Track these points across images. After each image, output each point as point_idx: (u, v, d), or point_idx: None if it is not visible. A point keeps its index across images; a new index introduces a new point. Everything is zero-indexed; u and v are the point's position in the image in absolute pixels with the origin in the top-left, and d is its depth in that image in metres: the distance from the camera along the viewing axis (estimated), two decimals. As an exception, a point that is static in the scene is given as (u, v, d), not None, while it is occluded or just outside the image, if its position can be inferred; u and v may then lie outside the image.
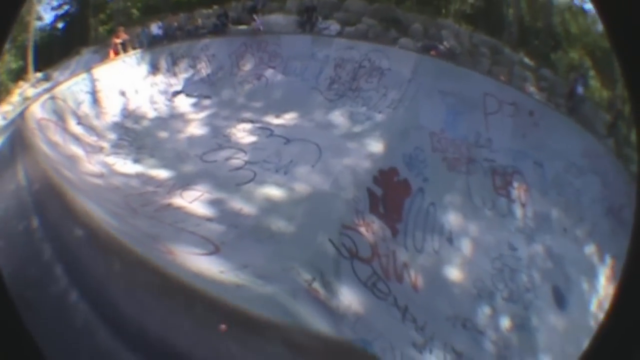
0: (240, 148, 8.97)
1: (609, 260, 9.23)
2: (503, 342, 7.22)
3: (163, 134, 10.26)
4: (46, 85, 12.85)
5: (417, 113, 9.35)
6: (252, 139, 9.36)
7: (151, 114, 11.12)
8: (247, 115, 10.22)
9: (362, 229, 6.90)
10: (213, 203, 7.34)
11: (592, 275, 8.87)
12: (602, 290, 9.21)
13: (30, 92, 13.11)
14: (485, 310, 7.36)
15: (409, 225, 7.47)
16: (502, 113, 9.73)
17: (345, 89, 10.52)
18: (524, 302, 7.92)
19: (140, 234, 5.74)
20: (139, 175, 8.56)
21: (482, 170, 8.96)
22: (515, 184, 9.18)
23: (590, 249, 9.21)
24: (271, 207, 7.10)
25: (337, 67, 11.06)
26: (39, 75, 14.14)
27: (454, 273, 7.38)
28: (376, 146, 8.47)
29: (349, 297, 5.89)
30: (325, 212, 6.92)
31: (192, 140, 9.80)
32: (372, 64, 10.71)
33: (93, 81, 10.97)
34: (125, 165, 9.00)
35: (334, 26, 12.60)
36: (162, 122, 10.84)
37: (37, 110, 9.20)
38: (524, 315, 7.76)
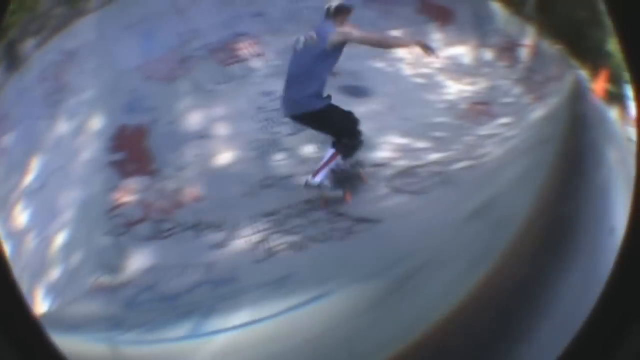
0: None
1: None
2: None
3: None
4: None
5: (114, 62, 9.13)
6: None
7: None
8: None
9: (124, 199, 6.95)
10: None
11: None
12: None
13: None
14: (277, 157, 7.61)
15: (160, 156, 7.55)
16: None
17: (59, 94, 10.05)
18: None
19: None
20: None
21: (200, 60, 9.01)
22: (240, 45, 9.31)
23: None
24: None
25: (43, 80, 10.45)
26: None
27: (224, 157, 7.54)
28: (97, 122, 8.31)
29: (137, 261, 6.06)
30: (88, 215, 6.83)
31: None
32: (64, 53, 10.18)
33: None
34: None
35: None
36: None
37: None
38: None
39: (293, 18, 9.87)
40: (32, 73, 10.72)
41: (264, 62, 9.16)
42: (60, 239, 6.49)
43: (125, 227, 6.54)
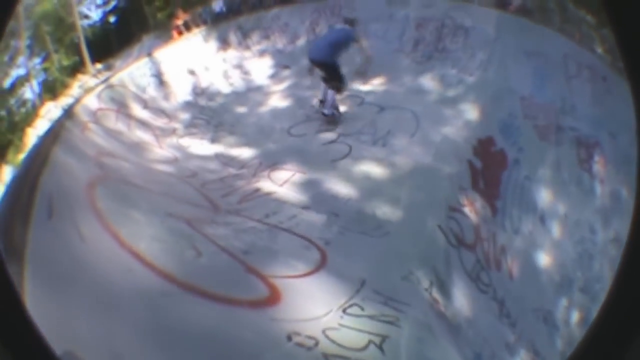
0: (330, 119, 8.42)
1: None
2: (568, 337, 6.67)
3: (242, 109, 9.88)
4: (106, 74, 12.50)
5: (507, 75, 8.73)
6: (341, 108, 8.74)
7: (226, 89, 10.75)
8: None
9: (467, 209, 6.30)
10: (307, 185, 6.68)
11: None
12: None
13: (91, 82, 12.94)
14: (563, 301, 6.97)
15: (507, 202, 6.97)
16: (581, 77, 9.05)
17: (431, 50, 10.05)
18: (592, 294, 7.41)
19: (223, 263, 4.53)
20: (218, 156, 8.12)
21: (568, 141, 8.39)
22: (596, 158, 8.57)
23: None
24: (373, 187, 6.40)
25: (418, 27, 10.52)
26: (99, 66, 14.09)
27: (544, 259, 6.96)
28: (472, 112, 7.95)
29: (460, 299, 5.22)
30: (431, 191, 6.24)
31: (276, 113, 9.36)
32: (454, 23, 10.11)
33: (157, 64, 10.70)
34: (202, 146, 8.57)
35: (406, -16, 11.81)
36: (239, 96, 10.43)
37: (92, 102, 8.79)
38: (589, 308, 7.15)
39: (628, 163, 9.15)
40: (406, 9, 11.03)
41: (602, 193, 8.45)
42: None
43: (457, 241, 5.84)
